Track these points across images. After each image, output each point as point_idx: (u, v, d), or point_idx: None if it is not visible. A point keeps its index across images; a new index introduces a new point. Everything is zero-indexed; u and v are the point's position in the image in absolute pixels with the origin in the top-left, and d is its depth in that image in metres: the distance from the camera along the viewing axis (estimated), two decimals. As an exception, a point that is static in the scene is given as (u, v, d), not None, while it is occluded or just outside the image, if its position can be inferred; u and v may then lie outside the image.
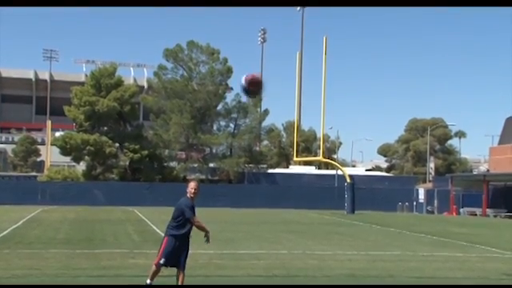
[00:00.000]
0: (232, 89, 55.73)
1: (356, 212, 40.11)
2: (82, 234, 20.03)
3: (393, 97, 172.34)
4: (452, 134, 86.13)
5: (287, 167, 67.65)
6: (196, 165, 53.78)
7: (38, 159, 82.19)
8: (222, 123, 55.64)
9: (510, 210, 43.39)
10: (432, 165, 71.55)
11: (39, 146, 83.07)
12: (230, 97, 55.36)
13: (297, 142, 52.10)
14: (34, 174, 67.23)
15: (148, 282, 9.05)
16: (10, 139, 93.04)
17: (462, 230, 27.30)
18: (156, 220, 26.67)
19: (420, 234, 23.75)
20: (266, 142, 70.49)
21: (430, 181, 65.26)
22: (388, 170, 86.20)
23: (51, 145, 61.02)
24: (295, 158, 52.22)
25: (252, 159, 55.06)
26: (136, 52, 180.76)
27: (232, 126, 55.08)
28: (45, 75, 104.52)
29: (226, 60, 53.30)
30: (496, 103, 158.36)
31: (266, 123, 58.33)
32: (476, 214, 44.70)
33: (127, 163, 50.49)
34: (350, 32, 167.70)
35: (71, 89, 52.09)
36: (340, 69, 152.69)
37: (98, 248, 15.75)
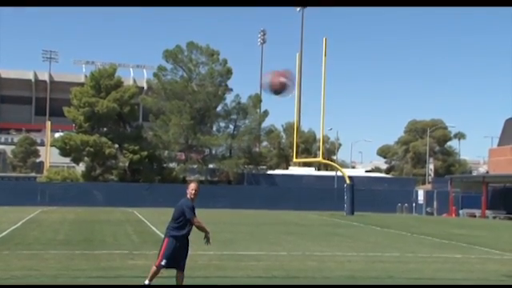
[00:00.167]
0: (231, 90, 55.81)
1: (355, 213, 40.10)
2: (81, 234, 20.02)
3: (392, 98, 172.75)
4: (451, 135, 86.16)
5: (287, 168, 67.64)
6: (195, 166, 53.77)
7: (38, 160, 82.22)
8: (222, 124, 55.71)
9: (510, 211, 43.40)
10: (431, 166, 71.65)
11: (39, 147, 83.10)
12: (229, 98, 55.49)
13: (296, 143, 52.12)
14: (33, 174, 67.27)
15: (146, 282, 9.03)
16: (10, 140, 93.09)
17: (461, 231, 27.30)
18: (155, 221, 26.66)
19: (419, 235, 23.75)
20: (265, 143, 70.59)
21: (429, 182, 65.30)
22: (387, 171, 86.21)
23: (51, 146, 60.99)
24: (295, 159, 52.26)
25: (251, 160, 55.07)
26: (136, 53, 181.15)
27: (231, 127, 55.10)
28: (44, 76, 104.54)
29: (225, 61, 53.34)
30: (495, 105, 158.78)
31: (265, 124, 58.43)
32: (475, 216, 44.69)
33: (127, 164, 50.48)
34: (350, 33, 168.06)
35: (71, 90, 52.07)
36: (340, 70, 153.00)
37: (97, 249, 15.74)
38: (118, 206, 41.47)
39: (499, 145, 55.89)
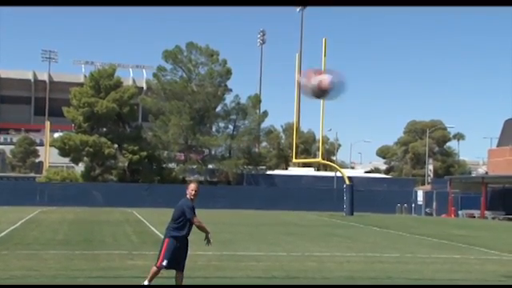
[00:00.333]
0: (231, 90, 55.82)
1: (355, 214, 40.10)
2: (80, 235, 20.01)
3: (392, 99, 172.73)
4: (451, 136, 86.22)
5: (286, 169, 67.65)
6: (195, 166, 53.77)
7: (37, 160, 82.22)
8: (221, 125, 55.75)
9: (509, 212, 43.41)
10: (431, 167, 71.67)
11: (38, 147, 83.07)
12: (229, 98, 55.52)
13: (296, 144, 52.13)
14: (32, 174, 67.32)
15: (145, 283, 9.03)
16: (9, 140, 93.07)
17: (460, 232, 27.31)
18: (155, 221, 26.65)
19: (418, 235, 23.75)
20: (264, 144, 70.58)
21: (428, 183, 65.27)
22: (387, 171, 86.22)
23: (50, 146, 61.00)
24: (294, 160, 52.25)
25: (251, 161, 55.09)
26: (135, 53, 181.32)
27: (231, 127, 55.13)
28: (44, 76, 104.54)
29: (225, 61, 53.38)
30: (495, 105, 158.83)
31: (265, 125, 58.48)
32: (474, 216, 44.69)
33: (126, 164, 50.49)
34: (350, 33, 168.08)
35: (70, 90, 52.13)
36: (339, 70, 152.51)
37: (96, 249, 15.73)
38: (117, 206, 41.45)
39: (498, 145, 55.93)
